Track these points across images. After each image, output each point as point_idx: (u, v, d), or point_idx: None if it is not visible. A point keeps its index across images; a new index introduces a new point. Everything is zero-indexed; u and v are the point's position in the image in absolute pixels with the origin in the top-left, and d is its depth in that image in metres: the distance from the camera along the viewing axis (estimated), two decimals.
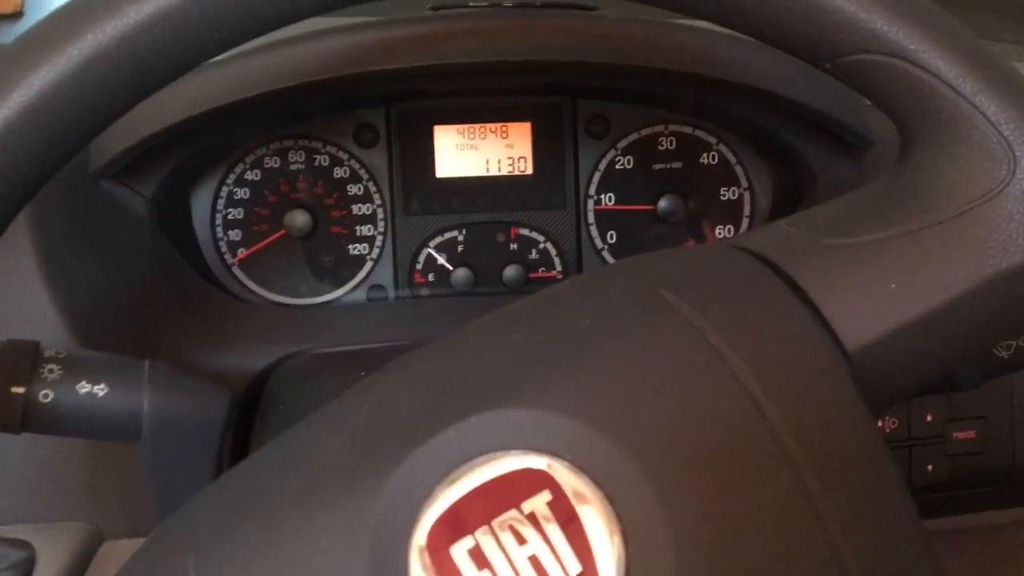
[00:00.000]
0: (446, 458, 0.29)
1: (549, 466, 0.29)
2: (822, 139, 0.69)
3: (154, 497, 0.49)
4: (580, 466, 0.29)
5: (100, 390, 0.45)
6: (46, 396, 0.44)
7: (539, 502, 0.29)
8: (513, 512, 0.29)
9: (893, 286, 0.33)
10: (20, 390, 0.44)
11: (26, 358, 0.44)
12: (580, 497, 0.29)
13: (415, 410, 0.31)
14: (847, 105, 0.65)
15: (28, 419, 0.44)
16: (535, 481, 0.29)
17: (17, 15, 1.28)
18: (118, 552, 0.59)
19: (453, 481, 0.29)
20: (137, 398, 0.46)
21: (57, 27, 0.33)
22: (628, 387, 0.30)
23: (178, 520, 0.34)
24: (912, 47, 0.33)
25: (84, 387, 0.45)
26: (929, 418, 0.66)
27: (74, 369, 0.45)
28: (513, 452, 0.29)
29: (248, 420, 0.62)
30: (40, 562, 0.57)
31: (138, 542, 0.59)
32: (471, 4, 0.66)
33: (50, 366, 0.45)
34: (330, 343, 0.69)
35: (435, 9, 0.66)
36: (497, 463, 0.29)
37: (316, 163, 0.76)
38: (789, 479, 0.29)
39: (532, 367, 0.31)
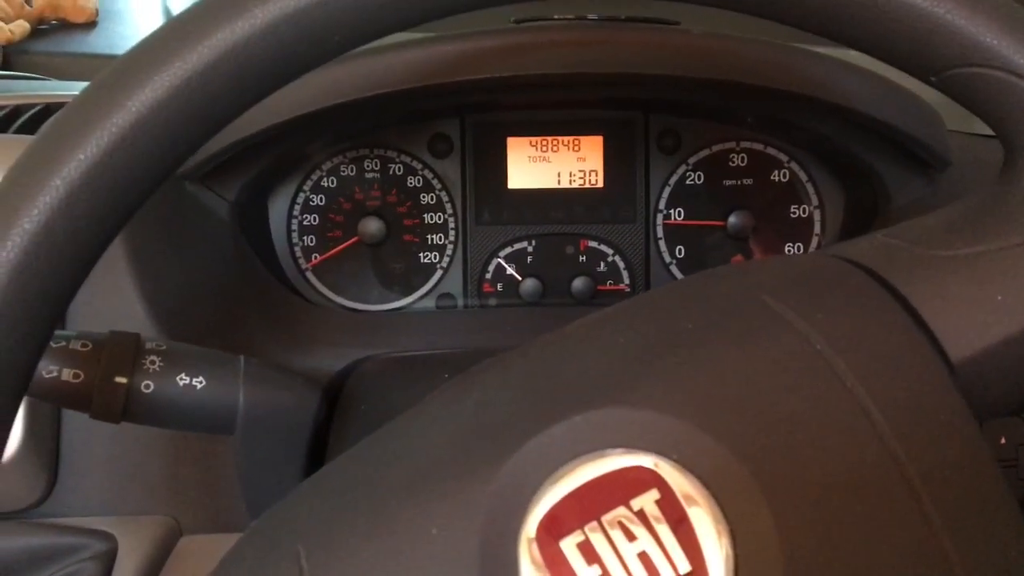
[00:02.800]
0: (554, 454, 0.29)
1: (656, 465, 0.29)
2: (899, 159, 0.69)
3: (243, 489, 0.50)
4: (687, 466, 0.29)
5: (198, 383, 0.46)
6: (147, 387, 0.45)
7: (648, 500, 0.29)
8: (622, 509, 0.29)
9: (999, 298, 0.32)
10: (123, 380, 0.45)
11: (128, 349, 0.46)
12: (689, 498, 0.29)
13: (521, 407, 0.31)
14: (928, 125, 0.65)
15: (129, 409, 0.45)
16: (643, 480, 0.29)
17: (91, 24, 1.31)
18: (196, 547, 0.60)
19: (561, 477, 0.29)
20: (233, 392, 0.47)
21: (188, 26, 0.33)
22: (734, 389, 0.30)
23: (285, 509, 0.34)
24: (1021, 61, 0.33)
25: (183, 379, 0.46)
26: (1002, 441, 0.65)
27: (174, 362, 0.46)
28: (620, 450, 0.29)
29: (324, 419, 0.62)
30: (121, 554, 0.58)
31: (216, 537, 0.60)
32: (555, 17, 0.67)
33: (151, 357, 0.46)
34: (401, 348, 0.70)
35: (519, 22, 0.67)
36: (604, 461, 0.29)
37: (391, 172, 0.77)
38: (897, 484, 0.29)
39: (637, 367, 0.31)
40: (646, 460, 0.29)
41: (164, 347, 0.47)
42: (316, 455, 0.54)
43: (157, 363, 0.46)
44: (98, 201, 0.32)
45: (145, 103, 0.32)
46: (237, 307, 0.68)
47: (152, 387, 0.46)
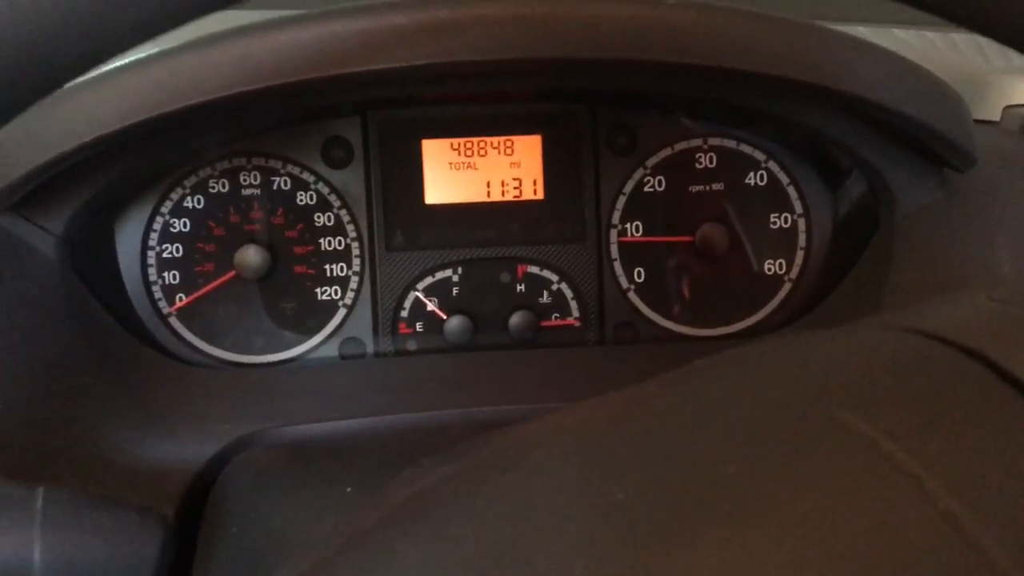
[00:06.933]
0: None
1: None
2: (911, 156, 0.57)
3: None
4: None
5: None
6: None
7: None
8: None
9: None
10: None
11: None
12: None
13: None
14: (954, 116, 0.53)
15: None
16: None
17: None
18: None
19: None
20: (24, 545, 0.32)
21: None
22: None
23: None
24: None
25: None
26: None
27: None
28: None
29: (190, 533, 0.46)
30: None
31: None
32: None
33: None
34: (294, 417, 0.56)
35: None
36: None
37: (274, 187, 0.65)
38: None
39: (649, 550, 0.20)
40: None
41: None
42: None
43: None
44: None
45: None
46: (72, 378, 0.52)
47: None
